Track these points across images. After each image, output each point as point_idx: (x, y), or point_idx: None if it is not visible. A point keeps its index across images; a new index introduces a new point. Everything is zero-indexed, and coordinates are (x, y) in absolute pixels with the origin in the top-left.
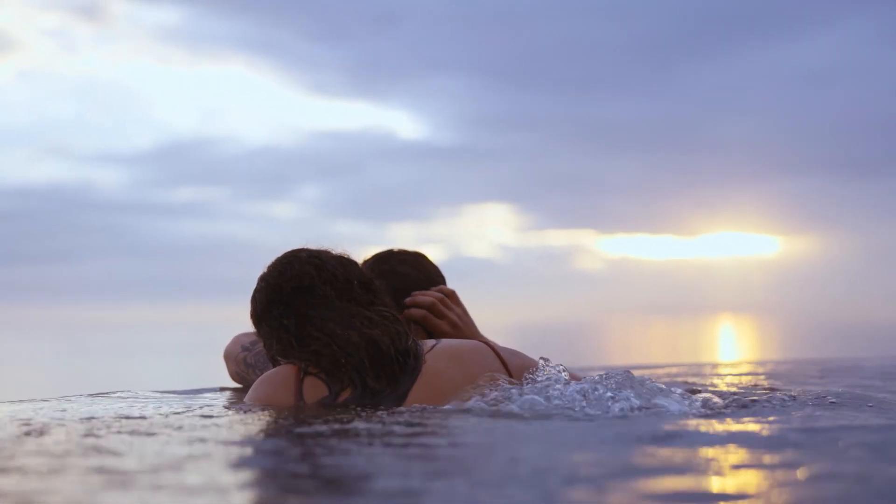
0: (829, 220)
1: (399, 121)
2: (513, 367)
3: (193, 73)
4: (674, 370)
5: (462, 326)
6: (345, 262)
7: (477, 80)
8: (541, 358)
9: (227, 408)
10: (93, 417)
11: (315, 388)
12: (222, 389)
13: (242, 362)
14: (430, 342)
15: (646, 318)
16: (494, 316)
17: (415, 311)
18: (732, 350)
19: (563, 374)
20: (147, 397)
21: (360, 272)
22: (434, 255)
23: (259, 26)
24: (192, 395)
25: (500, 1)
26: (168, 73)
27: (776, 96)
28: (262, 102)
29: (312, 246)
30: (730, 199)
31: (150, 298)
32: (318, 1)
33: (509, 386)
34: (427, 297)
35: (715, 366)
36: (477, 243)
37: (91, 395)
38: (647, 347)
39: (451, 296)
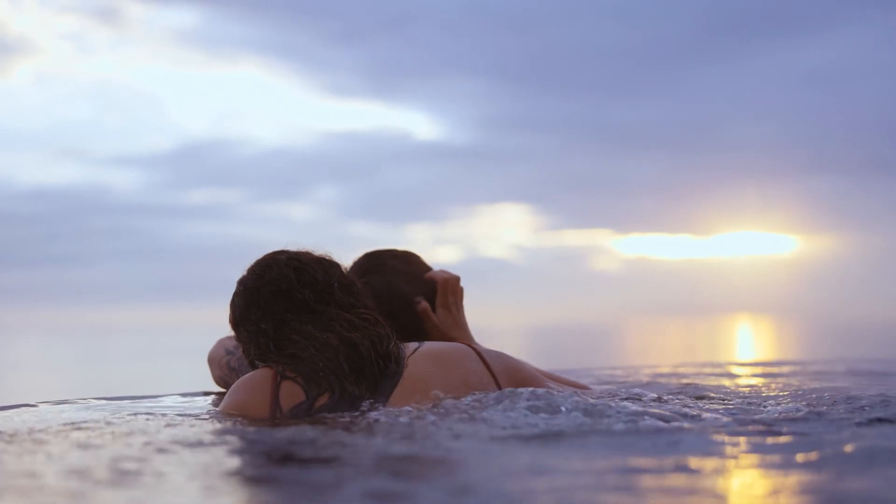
0: (848, 220)
1: (415, 122)
2: (497, 370)
3: (209, 75)
4: (690, 370)
5: (462, 313)
6: (326, 265)
7: (493, 81)
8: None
9: (189, 414)
10: (52, 425)
11: (292, 393)
12: (206, 394)
13: (226, 366)
14: (412, 345)
15: (663, 317)
16: (510, 316)
17: (438, 275)
18: (750, 350)
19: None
20: (106, 403)
21: (342, 274)
22: (450, 255)
23: (274, 29)
24: (161, 400)
25: (516, 3)
26: (184, 76)
27: (792, 96)
28: (278, 104)
29: (293, 248)
30: (746, 198)
31: (165, 300)
32: (334, 3)
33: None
34: (455, 275)
35: (730, 366)
36: (493, 244)
37: (54, 403)
38: (664, 348)
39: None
